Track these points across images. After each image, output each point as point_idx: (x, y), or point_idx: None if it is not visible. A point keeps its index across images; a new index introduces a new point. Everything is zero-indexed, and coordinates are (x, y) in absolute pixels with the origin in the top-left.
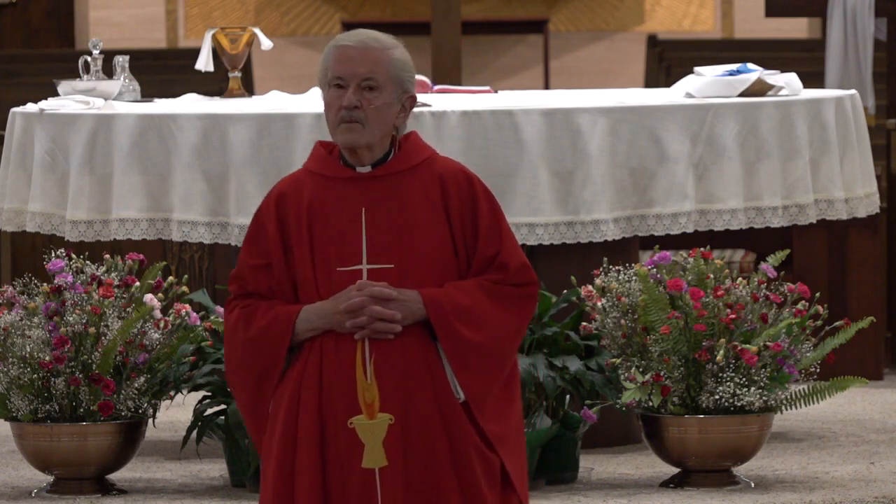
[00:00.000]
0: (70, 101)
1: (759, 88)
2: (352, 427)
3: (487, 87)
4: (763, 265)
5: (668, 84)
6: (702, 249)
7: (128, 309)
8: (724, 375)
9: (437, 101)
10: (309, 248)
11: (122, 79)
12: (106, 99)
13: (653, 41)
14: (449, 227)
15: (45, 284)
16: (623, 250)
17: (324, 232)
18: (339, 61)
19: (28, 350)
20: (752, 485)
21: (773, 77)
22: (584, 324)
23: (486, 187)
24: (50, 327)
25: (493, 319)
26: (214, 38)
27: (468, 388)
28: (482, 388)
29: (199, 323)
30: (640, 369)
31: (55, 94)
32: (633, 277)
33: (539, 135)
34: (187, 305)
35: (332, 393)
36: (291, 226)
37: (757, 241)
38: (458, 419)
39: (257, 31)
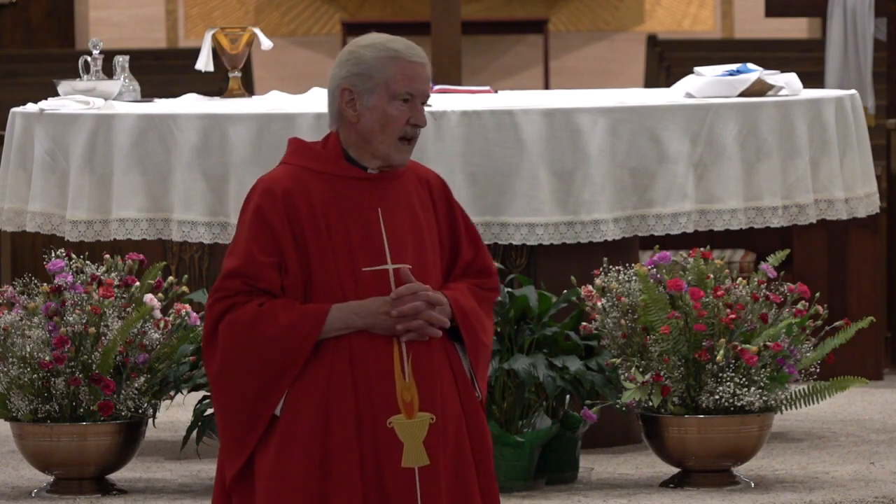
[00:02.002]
0: (70, 101)
1: (759, 88)
2: (390, 427)
3: (487, 87)
4: (763, 265)
5: (668, 84)
6: (702, 249)
7: (128, 309)
8: (724, 375)
9: (437, 101)
10: (330, 247)
11: (122, 79)
12: (106, 99)
13: (653, 41)
14: (437, 228)
15: (45, 284)
16: (623, 250)
17: (343, 231)
18: (409, 78)
19: (28, 350)
20: (752, 485)
21: (773, 77)
22: (584, 324)
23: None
24: (50, 327)
25: (487, 323)
26: (214, 38)
27: (482, 388)
28: (484, 388)
29: (199, 323)
30: (640, 369)
31: (55, 94)
32: (633, 277)
33: (539, 135)
34: (187, 305)
35: (368, 393)
36: (305, 224)
37: (757, 241)
38: (478, 417)
39: (257, 31)
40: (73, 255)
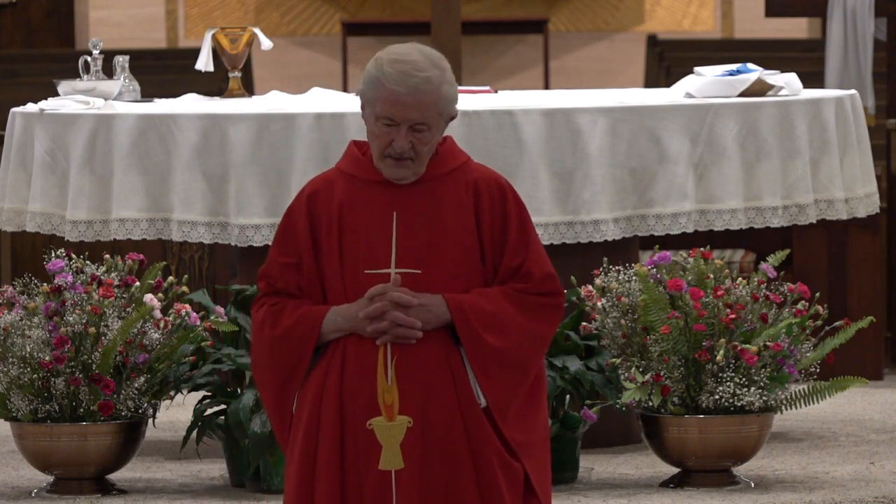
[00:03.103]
0: (70, 101)
1: (759, 88)
2: (370, 428)
3: (487, 87)
4: (763, 265)
5: (668, 84)
6: (702, 249)
7: (128, 309)
8: (724, 375)
9: None
10: (338, 248)
11: (122, 79)
12: (106, 99)
13: (653, 41)
14: (478, 234)
15: (45, 284)
16: (623, 250)
17: (354, 234)
18: (389, 103)
19: (28, 350)
20: (752, 485)
21: (773, 77)
22: (584, 324)
23: (517, 197)
24: (50, 327)
25: (517, 327)
26: (214, 38)
27: (490, 394)
28: (504, 395)
29: (199, 323)
30: (640, 369)
31: (55, 94)
32: (633, 277)
33: (539, 135)
34: (187, 305)
35: (353, 394)
36: (322, 225)
37: (757, 241)
38: (479, 425)
39: (257, 31)
40: (73, 255)
